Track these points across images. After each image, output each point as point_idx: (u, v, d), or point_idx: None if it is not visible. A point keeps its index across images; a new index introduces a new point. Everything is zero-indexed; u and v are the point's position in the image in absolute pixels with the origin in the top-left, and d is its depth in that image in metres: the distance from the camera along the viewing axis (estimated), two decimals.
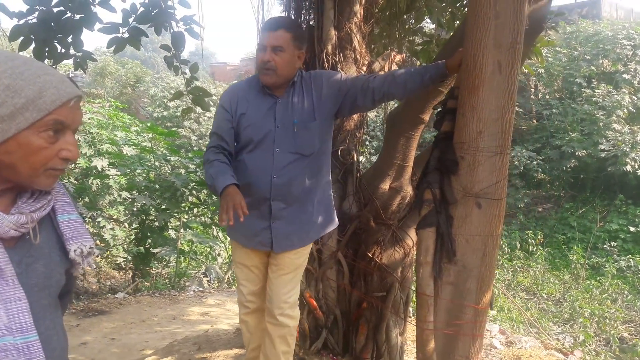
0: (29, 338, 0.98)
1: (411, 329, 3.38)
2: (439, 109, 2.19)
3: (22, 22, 3.23)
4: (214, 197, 7.09)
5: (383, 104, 3.81)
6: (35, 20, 3.24)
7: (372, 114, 11.98)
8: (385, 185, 2.97)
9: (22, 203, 1.02)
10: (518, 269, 9.99)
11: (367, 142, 13.27)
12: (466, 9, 2.76)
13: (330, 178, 2.50)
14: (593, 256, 10.87)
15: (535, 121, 15.47)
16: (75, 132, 1.04)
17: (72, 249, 1.08)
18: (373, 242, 2.98)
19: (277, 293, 2.40)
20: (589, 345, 6.11)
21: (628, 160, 11.73)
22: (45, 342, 1.02)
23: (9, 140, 0.94)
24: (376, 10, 3.39)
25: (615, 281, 8.80)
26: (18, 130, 0.94)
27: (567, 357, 4.80)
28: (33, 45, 3.31)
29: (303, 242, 2.41)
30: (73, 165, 7.33)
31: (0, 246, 0.97)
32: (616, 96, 12.64)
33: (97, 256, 6.95)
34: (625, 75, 13.44)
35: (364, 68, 3.08)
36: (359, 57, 3.04)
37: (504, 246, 10.95)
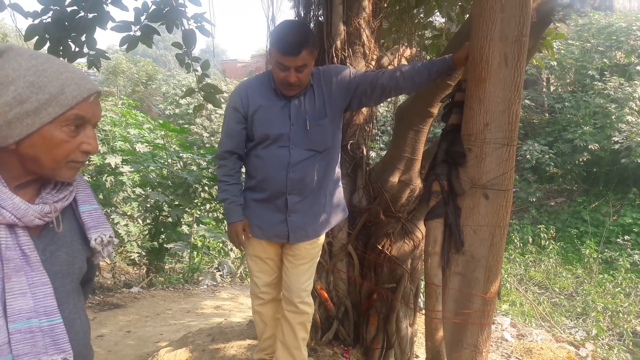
0: (54, 321, 1.03)
1: (421, 320, 3.41)
2: (447, 102, 2.21)
3: (36, 21, 3.30)
4: None
5: (392, 98, 3.84)
6: (49, 19, 3.31)
7: (381, 109, 11.99)
8: (395, 179, 3.00)
9: (46, 194, 1.08)
10: (530, 263, 9.97)
11: (377, 137, 13.28)
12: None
13: (340, 170, 2.56)
14: (606, 250, 10.81)
15: (547, 115, 15.37)
16: (95, 126, 1.10)
17: (92, 237, 1.14)
18: (383, 235, 3.02)
19: (297, 282, 2.48)
20: (602, 339, 6.09)
21: None
22: (69, 325, 1.07)
23: (34, 134, 1.00)
24: (385, 5, 3.41)
25: (629, 275, 8.75)
26: (42, 124, 1.00)
27: (579, 350, 4.80)
28: (48, 44, 3.37)
29: (317, 233, 2.47)
30: (87, 162, 7.44)
31: (26, 234, 1.03)
32: (628, 88, 12.52)
33: (113, 251, 7.05)
34: (639, 67, 13.30)
35: (373, 63, 3.11)
36: (367, 52, 3.07)
37: (516, 240, 10.92)
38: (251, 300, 2.67)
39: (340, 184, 2.57)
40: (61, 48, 3.43)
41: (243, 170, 2.53)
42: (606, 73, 13.95)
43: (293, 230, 2.39)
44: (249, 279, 7.19)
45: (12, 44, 1.05)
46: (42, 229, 1.08)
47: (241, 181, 2.47)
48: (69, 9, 3.34)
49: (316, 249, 2.54)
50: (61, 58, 3.39)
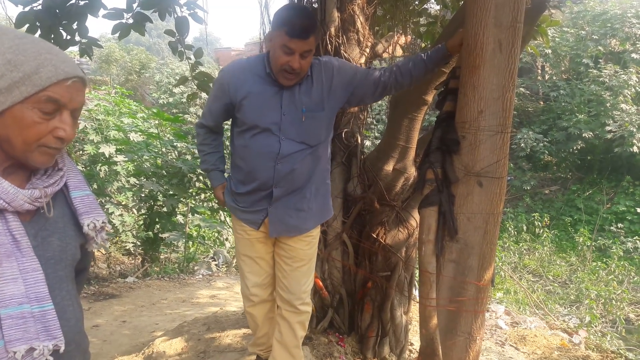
0: (45, 307, 1.02)
1: (416, 308, 3.43)
2: (441, 90, 2.20)
3: (27, 9, 3.25)
4: None
5: None
6: (40, 7, 3.26)
7: None
8: (389, 167, 3.00)
9: (36, 179, 1.07)
10: (524, 251, 10.03)
11: (372, 126, 13.27)
12: None
13: (329, 166, 2.45)
14: (600, 238, 10.89)
15: (542, 103, 15.38)
16: (77, 113, 1.07)
17: (85, 223, 1.13)
18: (377, 223, 3.02)
19: (297, 284, 2.39)
20: (595, 326, 6.15)
21: (635, 141, 11.68)
22: (61, 312, 1.07)
23: (5, 112, 0.98)
24: None
25: (622, 263, 8.82)
26: (13, 102, 0.98)
27: (572, 337, 4.85)
28: (39, 32, 3.33)
29: (300, 229, 2.34)
30: (81, 152, 7.40)
31: (16, 219, 1.02)
32: (623, 76, 12.53)
33: (108, 239, 7.03)
34: (633, 55, 13.31)
35: (367, 50, 3.09)
36: (362, 39, 3.04)
37: (510, 228, 10.97)
38: (243, 300, 2.58)
39: (329, 182, 2.44)
40: (52, 36, 3.38)
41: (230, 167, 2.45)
42: (601, 61, 13.95)
43: (273, 222, 2.29)
44: None
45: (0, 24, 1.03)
46: (33, 215, 1.07)
47: (219, 149, 2.47)
48: None
49: (313, 249, 2.44)
50: None
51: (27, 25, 3.27)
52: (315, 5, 3.04)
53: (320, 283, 3.07)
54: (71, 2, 3.31)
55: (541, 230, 10.86)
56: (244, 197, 2.32)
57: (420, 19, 3.90)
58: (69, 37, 3.45)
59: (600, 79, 12.92)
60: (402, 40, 3.57)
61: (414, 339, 3.53)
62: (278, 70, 2.11)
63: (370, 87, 2.24)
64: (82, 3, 3.32)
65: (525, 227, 11.31)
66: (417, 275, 3.18)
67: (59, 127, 1.02)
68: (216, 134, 2.45)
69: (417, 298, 2.39)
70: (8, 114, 0.99)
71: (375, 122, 13.75)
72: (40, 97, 0.99)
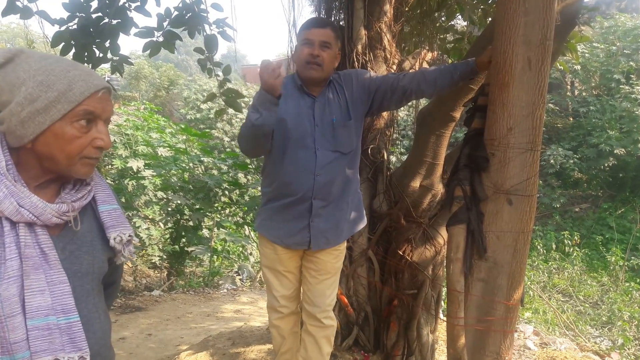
0: (71, 319, 1.04)
1: (442, 327, 3.37)
2: (469, 107, 2.19)
3: (63, 28, 3.37)
4: (246, 197, 7.19)
5: (413, 102, 3.81)
6: (75, 26, 3.37)
7: (402, 113, 11.93)
8: (416, 184, 2.98)
9: (65, 194, 1.10)
10: (554, 270, 9.77)
11: (398, 142, 13.21)
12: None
13: (359, 175, 2.50)
14: (633, 257, 10.55)
15: (571, 119, 15.11)
16: (108, 122, 1.11)
17: (112, 236, 1.15)
18: (403, 240, 2.99)
19: (322, 297, 2.40)
20: (628, 349, 5.94)
21: None
22: (87, 324, 1.09)
23: (46, 131, 1.03)
24: (406, 9, 3.39)
25: None
26: (52, 121, 1.02)
27: None
28: (73, 50, 3.44)
29: (338, 240, 2.39)
30: (110, 166, 7.54)
31: (45, 233, 1.05)
32: None
33: (135, 252, 7.13)
34: None
35: (394, 67, 3.09)
36: (389, 56, 3.05)
37: (539, 247, 10.73)
38: (268, 314, 2.58)
39: (359, 190, 2.50)
40: (86, 54, 3.48)
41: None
42: (632, 76, 13.65)
43: (315, 236, 2.30)
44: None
45: (23, 48, 1.07)
46: (62, 229, 1.10)
47: None
48: (94, 16, 3.39)
49: (339, 262, 2.47)
50: (86, 63, 3.47)
51: (62, 44, 3.38)
52: (343, 23, 3.06)
53: (346, 300, 3.05)
54: (105, 21, 3.41)
55: (571, 249, 10.57)
56: (283, 213, 2.31)
57: (447, 36, 3.90)
58: (101, 54, 3.55)
59: (633, 95, 12.63)
60: (429, 56, 3.56)
61: (441, 359, 3.47)
62: (303, 66, 2.23)
63: (388, 90, 2.27)
64: (114, 22, 3.42)
65: (554, 246, 11.03)
66: (444, 293, 3.13)
67: (97, 137, 1.07)
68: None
69: (445, 317, 2.35)
70: (49, 132, 1.03)
71: (401, 138, 13.70)
72: (77, 112, 1.04)
